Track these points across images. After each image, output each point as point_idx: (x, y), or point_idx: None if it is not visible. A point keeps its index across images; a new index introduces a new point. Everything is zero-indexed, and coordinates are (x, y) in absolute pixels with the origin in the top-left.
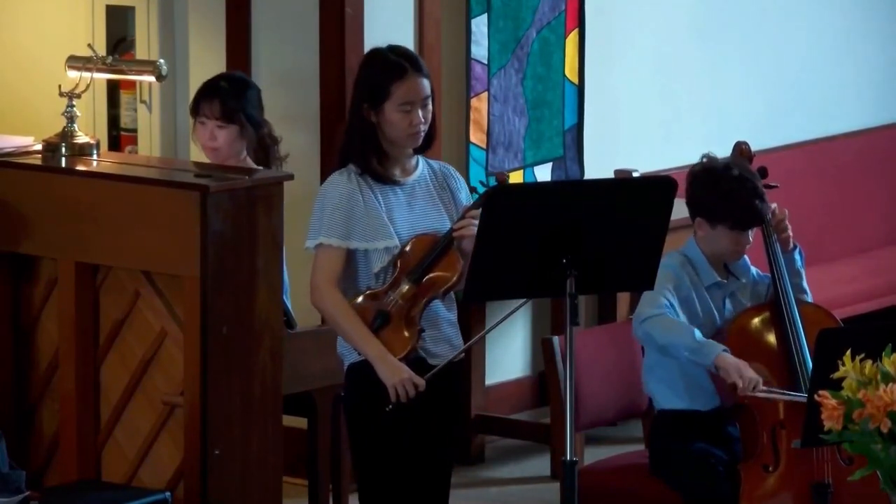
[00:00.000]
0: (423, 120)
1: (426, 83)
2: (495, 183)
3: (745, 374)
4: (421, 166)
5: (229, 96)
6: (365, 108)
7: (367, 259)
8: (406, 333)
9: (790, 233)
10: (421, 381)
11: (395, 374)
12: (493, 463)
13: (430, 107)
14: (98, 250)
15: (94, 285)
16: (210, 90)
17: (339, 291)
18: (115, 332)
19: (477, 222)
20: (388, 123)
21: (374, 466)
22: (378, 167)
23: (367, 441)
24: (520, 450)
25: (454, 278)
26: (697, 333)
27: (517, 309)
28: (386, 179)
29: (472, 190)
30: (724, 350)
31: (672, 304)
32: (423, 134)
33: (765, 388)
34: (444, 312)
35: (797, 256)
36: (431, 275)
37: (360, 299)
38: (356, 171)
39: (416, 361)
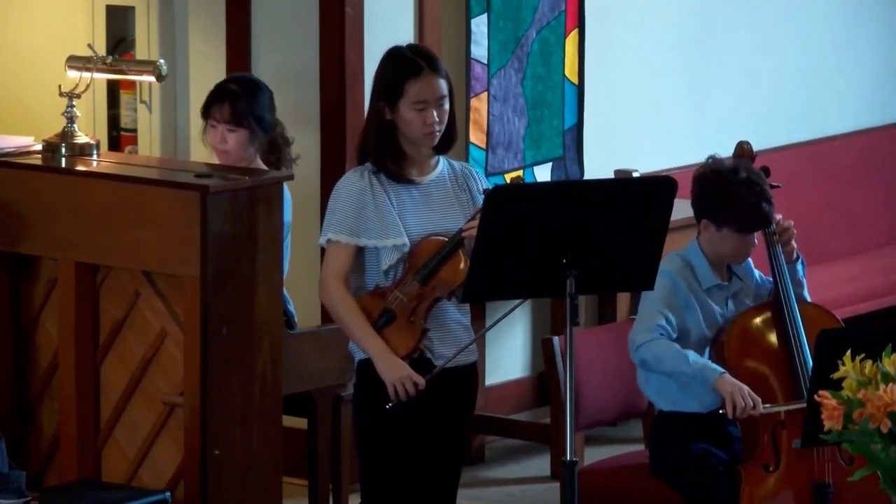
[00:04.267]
0: (437, 120)
1: (443, 83)
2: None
3: (738, 402)
4: (441, 166)
5: (239, 100)
6: (381, 106)
7: (377, 256)
8: (410, 333)
9: (794, 245)
10: (421, 380)
11: (395, 372)
12: (493, 463)
13: (446, 107)
14: (98, 250)
15: (94, 285)
16: (220, 93)
17: (346, 288)
18: (115, 332)
19: None
20: (402, 121)
21: (377, 465)
22: (392, 165)
23: (372, 439)
24: (520, 450)
25: (461, 279)
26: (692, 357)
27: (513, 310)
28: (400, 178)
29: (485, 192)
30: (723, 373)
31: (669, 321)
32: (438, 134)
33: (765, 405)
34: (455, 314)
35: (799, 267)
36: (438, 275)
37: (367, 296)
38: (371, 169)
39: (422, 362)
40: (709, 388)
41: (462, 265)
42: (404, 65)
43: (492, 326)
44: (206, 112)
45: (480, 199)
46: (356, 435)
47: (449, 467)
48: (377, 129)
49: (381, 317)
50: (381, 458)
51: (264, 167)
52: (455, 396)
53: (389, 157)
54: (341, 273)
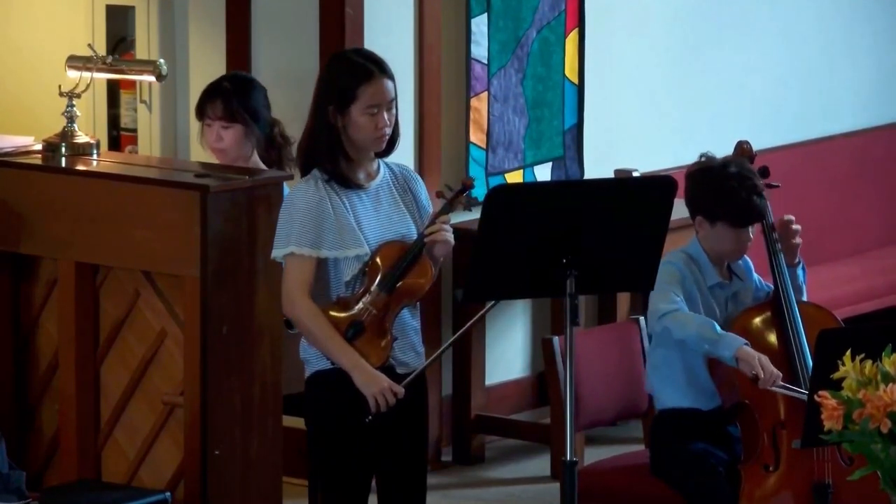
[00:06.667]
0: (388, 123)
1: (391, 85)
2: (462, 187)
3: (766, 366)
4: (382, 170)
5: (232, 95)
6: (330, 112)
7: (338, 268)
8: (381, 343)
9: (798, 239)
10: (400, 389)
11: (375, 384)
12: (493, 463)
13: (394, 110)
14: (98, 250)
15: (94, 285)
16: (213, 91)
17: (312, 300)
18: (115, 332)
19: (448, 227)
20: (353, 126)
21: (339, 478)
22: (346, 170)
23: (334, 451)
24: (520, 450)
25: (427, 285)
26: (716, 326)
27: (484, 313)
28: (352, 184)
29: (439, 194)
30: (746, 343)
31: (681, 301)
32: (387, 137)
33: (782, 384)
34: (410, 320)
35: (800, 272)
36: (404, 283)
37: (332, 309)
38: (322, 178)
39: (383, 370)
40: (730, 355)
41: (427, 270)
42: (355, 70)
43: (458, 336)
44: (201, 112)
45: (424, 199)
46: (314, 446)
47: (415, 473)
48: (328, 135)
49: (349, 329)
50: (344, 471)
51: (262, 165)
52: (413, 402)
53: (343, 161)
54: (306, 286)
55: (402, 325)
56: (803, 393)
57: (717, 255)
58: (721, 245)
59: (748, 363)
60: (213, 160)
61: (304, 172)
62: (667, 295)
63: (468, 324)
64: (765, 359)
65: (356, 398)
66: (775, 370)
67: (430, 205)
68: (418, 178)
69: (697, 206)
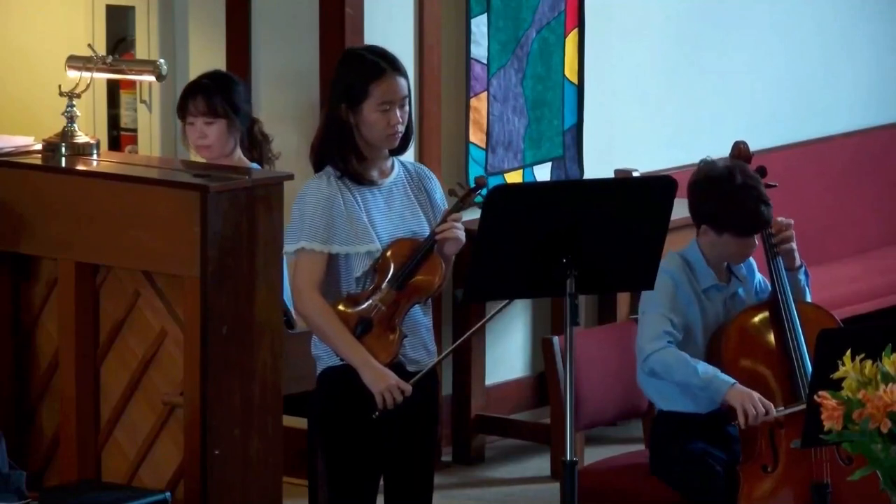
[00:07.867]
0: (400, 120)
1: (404, 83)
2: (474, 185)
3: (749, 411)
4: (397, 168)
5: (213, 91)
6: (343, 109)
7: (348, 264)
8: (390, 340)
9: (793, 244)
10: (408, 387)
11: (382, 381)
12: (493, 463)
13: (407, 107)
14: (98, 250)
15: (94, 285)
16: (193, 88)
17: (322, 297)
18: (115, 332)
19: (459, 225)
20: (366, 124)
21: (349, 475)
22: (358, 167)
23: (344, 448)
24: (520, 450)
25: (437, 282)
26: (701, 368)
27: (497, 313)
28: (364, 181)
29: (451, 192)
30: (732, 384)
31: (674, 325)
32: (400, 134)
33: (778, 409)
34: (422, 318)
35: (802, 276)
36: (414, 280)
37: (341, 305)
38: (335, 175)
39: (394, 367)
40: (719, 400)
41: (438, 268)
42: (366, 67)
43: (468, 335)
44: (182, 111)
45: (439, 197)
46: (321, 443)
47: (422, 469)
48: (340, 132)
49: (358, 325)
50: (353, 467)
51: (246, 160)
52: (423, 400)
53: (355, 158)
54: (317, 282)
55: (414, 323)
56: (794, 409)
57: (719, 259)
58: (725, 250)
59: (733, 408)
60: (199, 159)
61: (317, 169)
62: (655, 329)
63: (480, 322)
64: (749, 399)
65: (367, 395)
66: (762, 406)
67: (444, 203)
68: (433, 176)
69: (703, 217)
